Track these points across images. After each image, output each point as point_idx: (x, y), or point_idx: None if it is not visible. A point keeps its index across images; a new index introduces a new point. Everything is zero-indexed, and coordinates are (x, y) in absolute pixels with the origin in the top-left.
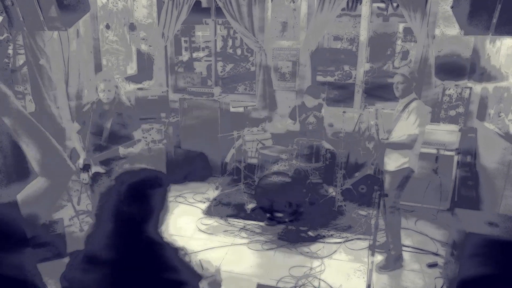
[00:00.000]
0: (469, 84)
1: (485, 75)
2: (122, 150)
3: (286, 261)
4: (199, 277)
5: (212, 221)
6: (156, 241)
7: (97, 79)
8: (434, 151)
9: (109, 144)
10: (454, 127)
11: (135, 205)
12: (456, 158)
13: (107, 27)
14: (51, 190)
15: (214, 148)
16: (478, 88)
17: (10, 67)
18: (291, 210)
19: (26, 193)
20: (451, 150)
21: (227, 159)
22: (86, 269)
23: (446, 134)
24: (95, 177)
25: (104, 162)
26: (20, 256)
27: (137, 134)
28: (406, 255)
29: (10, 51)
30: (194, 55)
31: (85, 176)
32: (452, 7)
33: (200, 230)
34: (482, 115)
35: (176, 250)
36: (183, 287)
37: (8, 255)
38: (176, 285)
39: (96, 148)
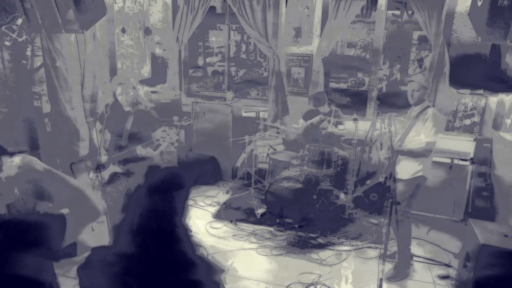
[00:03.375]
0: (485, 93)
1: (501, 84)
2: (139, 150)
3: (295, 267)
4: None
5: (222, 225)
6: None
7: (112, 83)
8: (447, 160)
9: (128, 144)
10: (468, 137)
11: (164, 200)
12: (470, 168)
13: (123, 31)
14: (77, 228)
15: (225, 152)
16: (494, 97)
17: (27, 68)
18: (301, 215)
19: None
20: (465, 160)
21: (238, 163)
22: (109, 263)
23: (461, 143)
24: (113, 177)
25: (122, 162)
26: (40, 257)
27: (156, 135)
28: (417, 266)
29: (28, 53)
30: (208, 60)
31: (93, 176)
32: (469, 14)
33: (209, 234)
34: (498, 124)
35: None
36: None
37: (34, 257)
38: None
39: (115, 148)
